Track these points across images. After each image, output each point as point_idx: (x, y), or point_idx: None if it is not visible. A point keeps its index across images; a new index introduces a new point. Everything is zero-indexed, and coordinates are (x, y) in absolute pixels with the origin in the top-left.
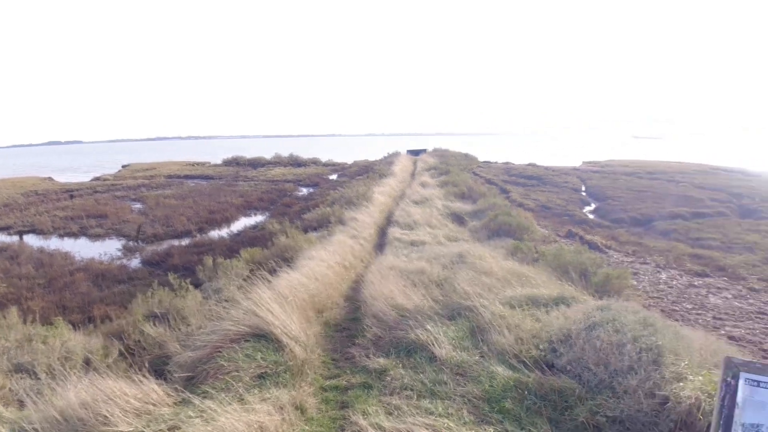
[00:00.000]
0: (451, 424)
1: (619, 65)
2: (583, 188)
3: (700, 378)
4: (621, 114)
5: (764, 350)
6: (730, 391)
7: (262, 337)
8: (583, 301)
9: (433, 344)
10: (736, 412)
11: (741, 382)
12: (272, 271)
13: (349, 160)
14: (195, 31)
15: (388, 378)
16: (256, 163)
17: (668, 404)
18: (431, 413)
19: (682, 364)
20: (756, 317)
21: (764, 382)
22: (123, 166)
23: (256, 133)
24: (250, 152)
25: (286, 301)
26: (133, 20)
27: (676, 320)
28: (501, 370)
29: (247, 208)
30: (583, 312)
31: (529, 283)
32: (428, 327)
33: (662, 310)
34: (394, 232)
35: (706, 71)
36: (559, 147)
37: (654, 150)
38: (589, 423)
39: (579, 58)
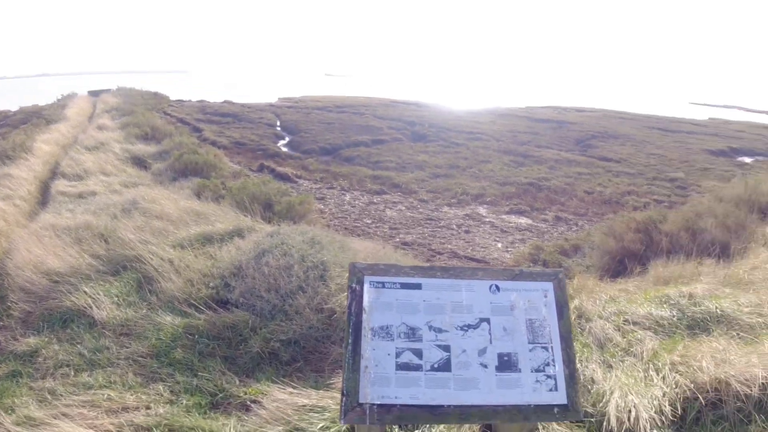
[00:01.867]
0: (112, 394)
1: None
2: (278, 123)
3: None
4: (313, 52)
5: (432, 249)
6: (356, 297)
7: None
8: (260, 231)
9: (92, 307)
10: (364, 317)
11: (366, 287)
12: None
13: (15, 107)
14: None
15: (40, 359)
16: None
17: (335, 315)
18: (90, 387)
19: (347, 275)
20: (425, 223)
21: (389, 283)
22: None
23: None
24: None
25: None
26: None
27: (358, 235)
28: (170, 320)
29: None
30: (254, 241)
31: (207, 221)
32: (86, 289)
33: (346, 228)
34: (60, 185)
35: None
36: (255, 84)
37: (344, 86)
38: (265, 351)
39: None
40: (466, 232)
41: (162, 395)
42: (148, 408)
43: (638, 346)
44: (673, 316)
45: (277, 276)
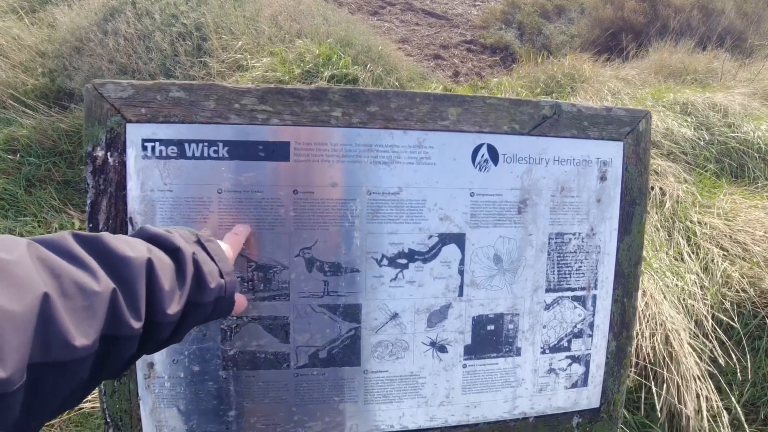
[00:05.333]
0: None
1: None
2: None
3: (267, 60)
4: None
5: None
6: (107, 183)
7: None
8: None
9: None
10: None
11: (133, 155)
12: None
13: None
14: None
15: None
16: None
17: None
18: None
19: (238, 44)
20: None
21: (198, 143)
22: None
23: None
24: None
25: None
26: None
27: None
28: None
29: None
30: None
31: None
32: None
33: None
34: None
35: None
36: None
37: None
38: None
39: None
40: None
41: None
42: None
43: (656, 183)
44: (699, 139)
45: (131, 52)
